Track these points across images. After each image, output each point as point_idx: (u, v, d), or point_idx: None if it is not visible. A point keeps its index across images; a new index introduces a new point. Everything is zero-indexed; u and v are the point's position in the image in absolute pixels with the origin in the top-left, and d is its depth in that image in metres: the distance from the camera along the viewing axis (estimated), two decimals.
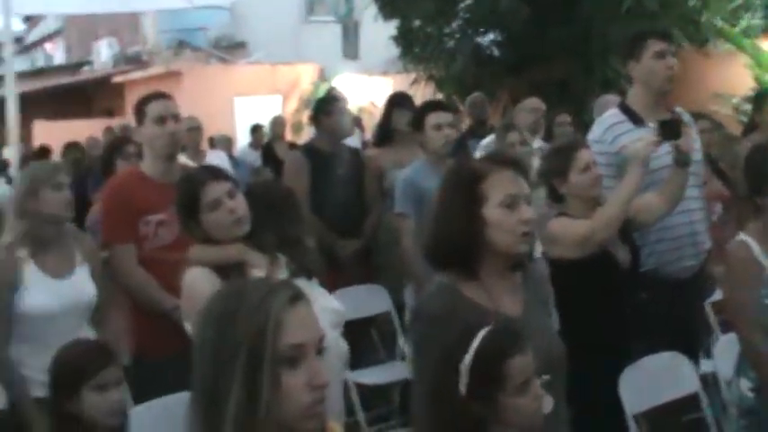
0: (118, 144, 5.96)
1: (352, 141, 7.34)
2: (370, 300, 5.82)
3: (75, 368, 3.10)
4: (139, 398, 3.84)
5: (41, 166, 4.04)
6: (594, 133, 4.62)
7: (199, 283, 3.26)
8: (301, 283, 3.29)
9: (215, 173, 3.51)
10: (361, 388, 5.34)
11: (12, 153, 8.38)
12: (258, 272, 3.27)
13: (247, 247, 3.34)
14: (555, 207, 4.11)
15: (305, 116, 18.56)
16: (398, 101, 6.48)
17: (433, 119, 5.32)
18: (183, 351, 4.07)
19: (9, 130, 8.16)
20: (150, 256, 4.29)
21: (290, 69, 19.82)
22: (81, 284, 3.96)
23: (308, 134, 16.21)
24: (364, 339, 5.83)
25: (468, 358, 2.21)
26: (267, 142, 12.08)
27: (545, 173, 4.14)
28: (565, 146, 4.32)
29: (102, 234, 4.45)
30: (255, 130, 13.08)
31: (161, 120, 4.33)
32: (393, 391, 6.11)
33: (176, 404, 3.83)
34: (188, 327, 3.33)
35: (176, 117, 4.38)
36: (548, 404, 2.31)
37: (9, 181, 9.37)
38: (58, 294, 3.87)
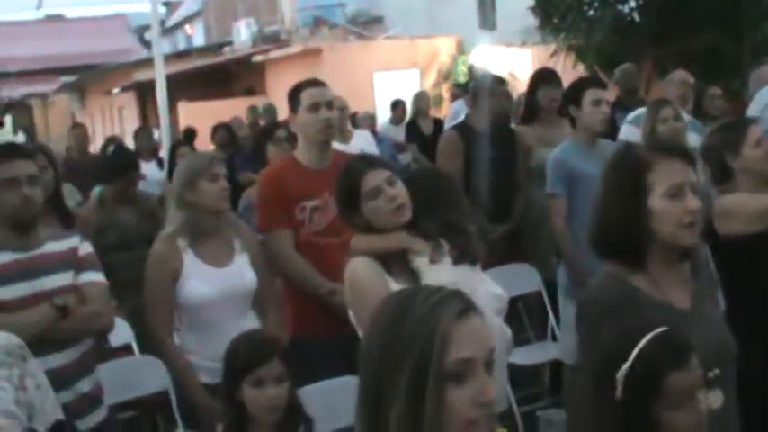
0: (268, 129, 6.06)
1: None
2: (519, 279, 5.78)
3: (237, 362, 3.16)
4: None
5: (198, 158, 4.12)
6: (752, 110, 4.48)
7: (361, 272, 3.28)
8: (464, 269, 3.31)
9: (373, 161, 3.51)
10: (511, 368, 5.32)
11: (162, 135, 8.63)
12: (421, 260, 3.27)
13: (409, 235, 3.34)
14: (719, 186, 3.98)
15: (444, 89, 18.57)
16: (544, 77, 6.38)
17: (591, 95, 5.21)
18: (337, 334, 4.20)
19: (159, 113, 8.41)
20: (306, 242, 4.36)
21: (428, 43, 19.76)
22: (240, 272, 4.04)
23: (446, 108, 16.21)
24: (513, 319, 5.80)
25: (626, 367, 2.12)
26: (411, 118, 12.04)
27: (712, 148, 4.01)
28: (737, 121, 4.20)
29: (259, 221, 4.53)
30: (396, 105, 13.09)
31: (315, 107, 4.37)
32: (543, 372, 6.08)
33: (333, 389, 3.92)
34: (351, 316, 3.37)
35: (330, 104, 4.42)
36: (717, 399, 2.22)
37: (160, 164, 9.64)
38: (217, 283, 3.96)
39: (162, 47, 12.72)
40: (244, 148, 10.21)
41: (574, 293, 5.00)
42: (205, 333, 3.97)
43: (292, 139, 5.71)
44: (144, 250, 5.76)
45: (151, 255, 4.07)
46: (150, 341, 4.27)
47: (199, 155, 4.17)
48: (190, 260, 3.96)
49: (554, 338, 5.73)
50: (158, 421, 5.47)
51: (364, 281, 3.26)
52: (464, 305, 1.69)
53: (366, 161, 3.50)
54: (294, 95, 4.48)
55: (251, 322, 4.04)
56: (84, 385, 3.67)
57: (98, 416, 3.75)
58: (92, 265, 3.72)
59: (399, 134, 11.78)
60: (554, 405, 5.60)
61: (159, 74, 8.05)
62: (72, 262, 3.65)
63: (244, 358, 3.15)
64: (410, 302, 1.70)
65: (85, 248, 3.74)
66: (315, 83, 4.51)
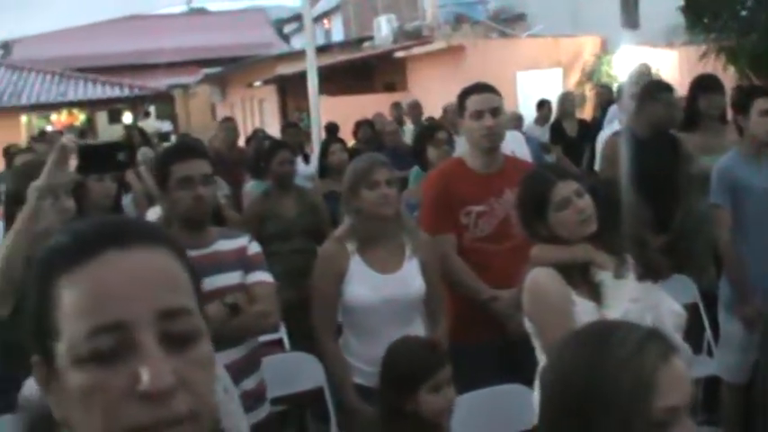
0: (428, 131, 6.07)
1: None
2: (674, 289, 5.62)
3: (411, 371, 3.15)
4: None
5: (359, 164, 4.10)
6: None
7: (544, 282, 3.24)
8: (648, 286, 3.24)
9: (562, 172, 3.47)
10: None
11: (312, 130, 8.68)
12: (605, 274, 3.22)
13: (593, 248, 3.29)
14: None
15: (587, 89, 18.29)
16: (706, 84, 6.20)
17: (760, 104, 5.04)
18: (494, 342, 4.17)
19: (310, 105, 8.49)
20: (469, 247, 4.35)
21: (572, 42, 19.48)
22: (408, 280, 4.03)
23: (589, 109, 15.95)
24: None
25: None
26: (556, 119, 11.90)
27: None
28: None
29: (423, 223, 4.52)
30: (542, 105, 12.94)
31: (479, 114, 4.36)
32: (697, 387, 5.91)
33: (495, 396, 3.90)
34: (528, 325, 3.33)
35: (495, 111, 4.38)
36: None
37: (306, 159, 9.75)
38: (380, 289, 3.96)
39: (301, 42, 12.86)
40: (386, 145, 10.24)
41: (735, 308, 4.87)
42: (364, 337, 4.00)
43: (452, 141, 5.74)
44: (302, 243, 5.92)
45: (320, 254, 4.14)
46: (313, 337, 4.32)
47: (362, 160, 4.15)
48: (356, 264, 3.98)
49: (710, 353, 5.57)
50: (306, 418, 5.54)
51: (547, 291, 3.22)
52: (666, 347, 1.63)
53: (555, 171, 3.47)
54: (461, 100, 4.47)
55: (416, 328, 4.02)
56: (250, 383, 3.73)
57: (261, 413, 3.81)
58: (260, 264, 3.78)
59: (543, 135, 11.65)
60: (707, 423, 5.45)
61: (311, 66, 8.09)
62: (241, 261, 3.71)
63: (421, 365, 3.14)
64: (608, 341, 1.64)
65: (254, 248, 3.79)
66: (480, 89, 4.48)
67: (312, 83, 8.11)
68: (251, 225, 5.59)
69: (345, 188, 4.06)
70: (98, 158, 3.39)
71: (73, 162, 3.32)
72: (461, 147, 6.16)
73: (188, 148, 3.81)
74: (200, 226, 3.62)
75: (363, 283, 3.96)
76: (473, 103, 4.39)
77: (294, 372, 4.57)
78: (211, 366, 1.15)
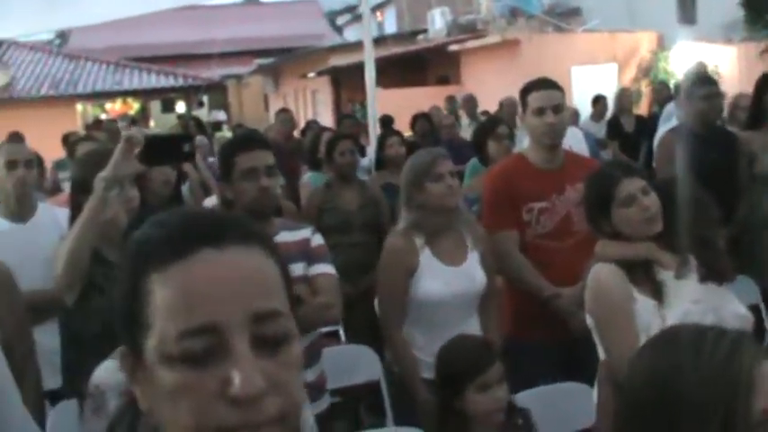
0: (489, 125, 6.04)
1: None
2: (736, 291, 5.53)
3: (460, 369, 3.13)
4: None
5: (421, 158, 4.06)
6: None
7: (606, 279, 3.21)
8: (711, 287, 3.19)
9: (628, 169, 3.43)
10: None
11: (369, 122, 8.65)
12: (666, 273, 3.19)
13: (657, 246, 3.25)
14: None
15: (643, 86, 18.12)
16: None
17: None
18: (554, 339, 4.13)
19: (367, 97, 8.47)
20: (531, 243, 4.32)
21: (628, 37, 19.28)
22: (472, 272, 4.02)
23: (645, 105, 15.80)
24: None
25: None
26: (613, 115, 11.78)
27: None
28: None
29: (485, 219, 4.50)
30: (597, 101, 12.82)
31: (540, 111, 4.32)
32: None
33: (554, 394, 3.87)
34: (589, 321, 3.31)
35: (557, 108, 4.34)
36: None
37: (362, 151, 9.75)
38: (451, 282, 3.94)
39: (354, 33, 12.85)
40: (442, 138, 10.21)
41: None
42: (432, 330, 3.96)
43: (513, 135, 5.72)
44: (362, 236, 5.92)
45: (387, 248, 4.09)
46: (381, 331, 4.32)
47: (422, 154, 4.13)
48: (426, 258, 3.96)
49: None
50: (360, 411, 5.53)
51: (609, 288, 3.20)
52: (757, 349, 1.61)
53: (621, 168, 3.43)
54: (522, 96, 4.44)
55: (473, 323, 4.02)
56: (311, 374, 3.73)
57: (322, 405, 3.81)
58: (324, 256, 3.77)
59: (599, 131, 11.55)
60: None
61: (368, 58, 8.06)
62: (304, 253, 3.70)
63: (469, 364, 3.12)
64: (700, 345, 1.62)
65: (317, 240, 3.79)
66: (542, 85, 4.44)
67: (369, 75, 8.09)
68: (310, 217, 5.60)
69: (407, 183, 4.03)
70: (163, 149, 3.41)
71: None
72: (522, 142, 6.14)
73: (252, 139, 3.81)
74: (264, 217, 3.61)
75: (435, 277, 3.95)
76: (535, 99, 4.36)
77: (351, 364, 4.56)
78: (300, 367, 1.15)
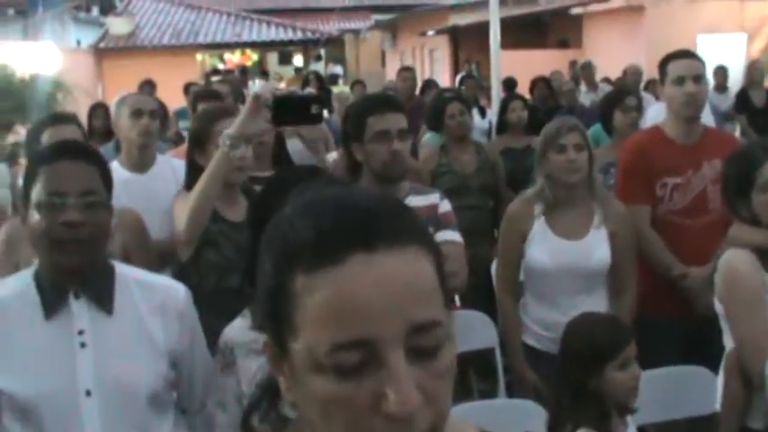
0: (617, 96, 5.89)
1: None
2: None
3: (596, 347, 3.05)
4: None
5: (547, 128, 3.98)
6: None
7: (739, 265, 3.09)
8: None
9: None
10: None
11: (492, 83, 8.56)
12: None
13: None
14: None
15: None
16: None
17: None
18: (681, 318, 4.03)
19: (490, 58, 8.37)
20: (662, 219, 4.21)
21: (758, 6, 18.63)
22: (591, 248, 3.90)
23: None
24: None
25: None
26: (742, 87, 11.40)
27: None
28: None
29: (618, 192, 4.38)
30: (717, 71, 12.42)
31: (680, 80, 4.16)
32: None
33: (676, 376, 3.78)
34: (718, 307, 3.19)
35: (697, 78, 4.17)
36: None
37: (482, 112, 9.66)
38: (559, 255, 3.87)
39: None
40: (562, 104, 10.04)
41: None
42: (542, 300, 3.97)
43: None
44: (477, 199, 5.86)
45: (507, 212, 4.11)
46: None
47: (553, 122, 4.04)
48: (539, 227, 3.91)
49: None
50: (470, 376, 5.50)
51: (740, 274, 3.07)
52: None
53: (765, 150, 3.27)
54: (662, 66, 4.29)
55: (597, 300, 3.91)
56: None
57: None
58: (451, 223, 3.71)
59: (722, 103, 11.21)
60: None
61: (493, 19, 7.96)
62: (432, 218, 3.64)
63: (609, 341, 3.04)
64: None
65: (445, 206, 3.74)
66: (683, 54, 4.28)
67: (494, 36, 7.98)
68: (425, 179, 5.55)
69: (538, 149, 3.98)
70: (292, 110, 3.39)
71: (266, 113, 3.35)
72: (654, 113, 5.97)
73: (386, 100, 3.75)
74: (394, 181, 3.57)
75: (543, 247, 3.90)
76: (675, 68, 4.21)
77: (466, 330, 4.51)
78: (453, 375, 1.09)
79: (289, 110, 3.36)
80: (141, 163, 4.41)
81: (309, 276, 1.04)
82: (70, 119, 4.37)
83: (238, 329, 2.43)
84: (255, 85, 19.74)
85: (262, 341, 2.21)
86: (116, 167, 4.47)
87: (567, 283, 3.89)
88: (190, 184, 3.71)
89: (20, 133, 13.01)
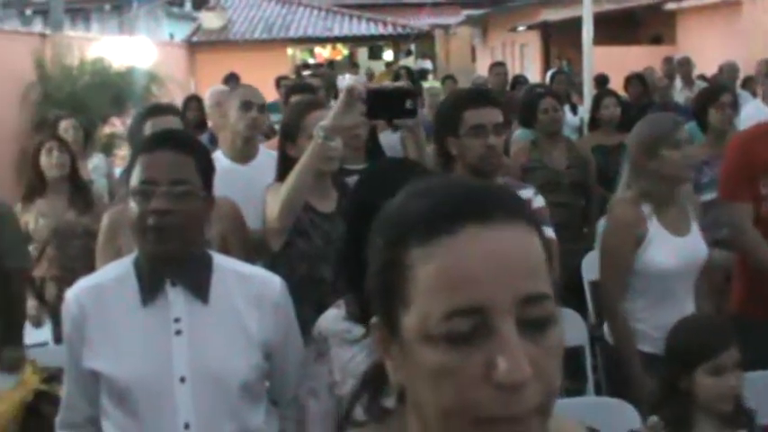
0: (712, 92, 5.79)
1: None
2: None
3: (690, 347, 2.99)
4: None
5: (660, 123, 3.88)
6: None
7: None
8: None
9: None
10: None
11: (585, 79, 8.45)
12: None
13: None
14: None
15: None
16: None
17: None
18: None
19: (583, 54, 8.28)
20: (765, 217, 4.11)
21: None
22: (696, 243, 3.86)
23: None
24: None
25: None
26: None
27: None
28: None
29: (721, 188, 4.31)
30: None
31: None
32: None
33: None
34: None
35: None
36: None
37: (573, 109, 9.57)
38: (678, 253, 3.80)
39: None
40: (655, 101, 9.89)
41: None
42: (657, 302, 3.84)
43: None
44: (568, 196, 5.81)
45: (615, 218, 3.95)
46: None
47: (660, 119, 3.95)
48: (654, 228, 3.81)
49: None
50: None
51: None
52: None
53: None
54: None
55: (692, 296, 3.87)
56: None
57: None
58: (545, 219, 3.68)
59: None
60: None
61: (587, 15, 7.87)
62: None
63: (702, 344, 2.98)
64: None
65: (539, 202, 3.73)
66: None
67: (587, 31, 7.90)
68: (516, 174, 5.52)
69: (641, 148, 3.83)
70: (386, 104, 3.41)
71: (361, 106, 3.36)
72: (752, 111, 5.85)
73: (482, 95, 3.75)
74: (488, 175, 3.55)
75: (664, 247, 3.79)
76: None
77: None
78: (561, 353, 1.09)
79: (383, 103, 3.38)
80: (244, 154, 4.48)
81: (424, 247, 1.06)
82: (170, 109, 4.46)
83: (332, 319, 2.45)
84: (346, 79, 19.87)
85: (355, 331, 2.25)
86: (219, 157, 4.56)
87: (686, 282, 3.84)
88: (281, 175, 3.76)
89: (116, 125, 13.32)
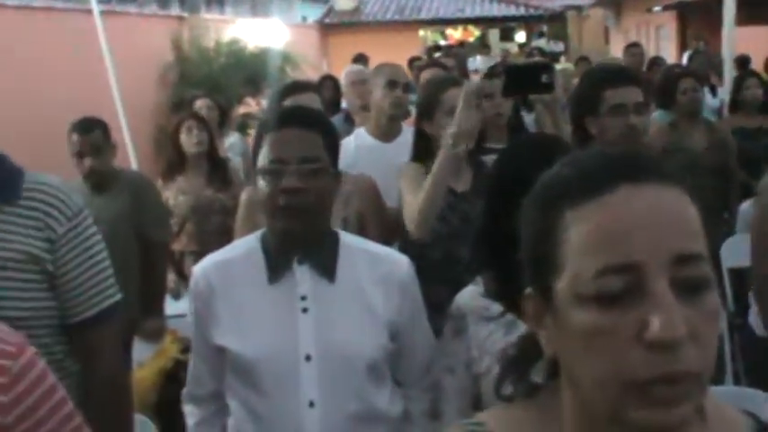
0: None
1: None
2: None
3: None
4: None
5: None
6: None
7: None
8: None
9: None
10: None
11: (725, 61, 8.18)
12: None
13: None
14: None
15: None
16: None
17: None
18: None
19: (723, 35, 8.02)
20: None
21: None
22: None
23: None
24: None
25: None
26: None
27: None
28: None
29: None
30: None
31: None
32: None
33: None
34: None
35: None
36: None
37: (713, 91, 9.31)
38: None
39: None
40: None
41: None
42: None
43: None
44: (709, 179, 5.66)
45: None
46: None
47: None
48: None
49: None
50: None
51: None
52: None
53: None
54: None
55: None
56: None
57: None
58: None
59: None
60: None
61: None
62: None
63: None
64: None
65: None
66: None
67: (728, 11, 7.63)
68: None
69: None
70: (523, 79, 3.38)
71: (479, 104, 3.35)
72: None
73: (622, 73, 3.66)
74: None
75: None
76: None
77: None
78: (718, 320, 1.06)
79: (519, 79, 3.35)
80: (388, 132, 4.51)
81: (577, 209, 1.05)
82: (310, 87, 4.50)
83: (470, 296, 2.43)
84: (476, 61, 19.78)
85: (493, 308, 2.23)
86: (362, 134, 4.60)
87: None
88: (417, 153, 3.77)
89: (250, 105, 13.56)
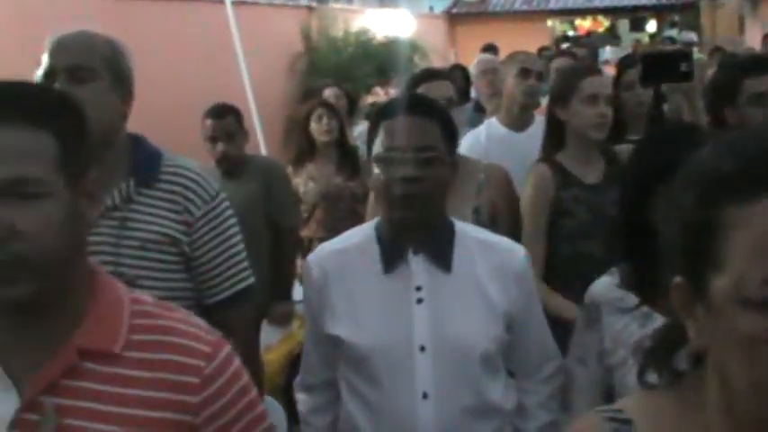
0: None
1: None
2: None
3: None
4: None
5: None
6: None
7: None
8: None
9: None
10: None
11: None
12: None
13: None
14: None
15: None
16: None
17: None
18: None
19: None
20: None
21: None
22: None
23: None
24: None
25: None
26: None
27: None
28: None
29: None
30: None
31: None
32: None
33: None
34: None
35: None
36: None
37: None
38: None
39: None
40: None
41: None
42: None
43: None
44: None
45: None
46: None
47: None
48: None
49: None
50: None
51: None
52: None
53: None
54: None
55: None
56: None
57: None
58: None
59: None
60: None
61: None
62: None
63: None
64: None
65: None
66: None
67: None
68: None
69: None
70: (661, 68, 3.31)
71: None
72: None
73: (762, 62, 3.55)
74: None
75: None
76: None
77: None
78: None
79: (657, 68, 3.28)
80: (520, 121, 4.48)
81: (742, 208, 1.01)
82: (443, 74, 4.49)
83: (605, 287, 2.38)
84: (606, 52, 19.45)
85: (628, 300, 2.18)
86: (494, 123, 4.56)
87: None
88: (549, 141, 3.72)
89: (379, 94, 13.63)
